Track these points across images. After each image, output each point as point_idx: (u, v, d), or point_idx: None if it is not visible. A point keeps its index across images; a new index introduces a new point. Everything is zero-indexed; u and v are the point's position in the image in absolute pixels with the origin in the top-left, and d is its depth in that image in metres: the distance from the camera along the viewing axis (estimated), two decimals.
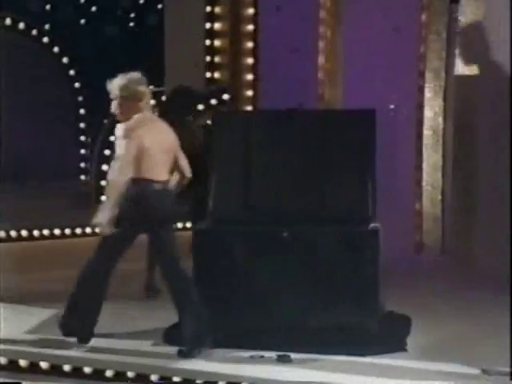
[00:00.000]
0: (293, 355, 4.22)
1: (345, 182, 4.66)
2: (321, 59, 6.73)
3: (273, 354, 4.23)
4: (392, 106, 6.56)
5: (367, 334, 4.35)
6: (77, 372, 4.08)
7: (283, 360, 4.18)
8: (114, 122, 8.36)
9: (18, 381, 3.94)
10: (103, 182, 8.18)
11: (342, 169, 4.68)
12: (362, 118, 4.77)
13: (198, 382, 3.97)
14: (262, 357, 4.21)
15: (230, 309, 4.47)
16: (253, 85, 7.12)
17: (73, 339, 4.40)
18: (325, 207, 4.62)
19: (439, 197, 6.77)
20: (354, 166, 4.68)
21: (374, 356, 4.23)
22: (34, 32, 9.42)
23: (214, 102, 7.33)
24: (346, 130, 4.74)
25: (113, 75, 4.77)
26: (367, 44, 6.52)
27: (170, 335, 4.48)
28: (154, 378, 4.02)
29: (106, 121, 8.56)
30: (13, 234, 6.29)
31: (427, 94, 6.75)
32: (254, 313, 4.47)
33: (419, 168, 6.77)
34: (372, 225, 4.54)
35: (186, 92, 6.09)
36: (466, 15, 6.57)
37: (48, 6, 10.06)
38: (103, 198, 8.04)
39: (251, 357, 4.21)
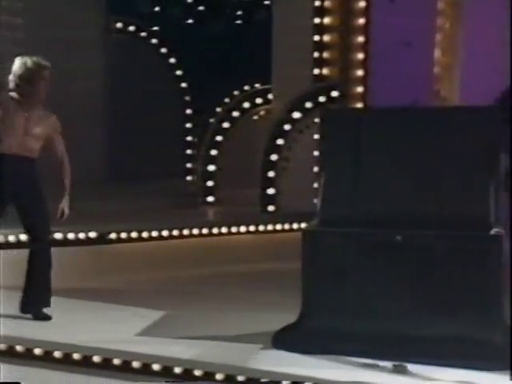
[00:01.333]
0: (409, 366, 3.99)
1: (465, 183, 4.38)
2: (437, 53, 6.43)
3: (388, 364, 4.02)
4: None
5: (491, 346, 4.06)
6: (187, 374, 4.05)
7: (399, 370, 3.98)
8: (221, 122, 8.46)
9: (18, 381, 3.95)
10: (209, 183, 8.28)
11: (462, 169, 4.40)
12: (483, 115, 4.48)
13: None
14: (377, 365, 4.01)
15: (340, 313, 4.30)
16: (363, 81, 6.92)
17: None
18: (442, 210, 4.36)
19: None
20: (475, 167, 4.39)
21: (498, 372, 3.93)
22: (143, 34, 9.61)
23: (322, 99, 7.19)
24: (466, 128, 4.45)
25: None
26: (490, 36, 6.15)
27: (279, 339, 4.36)
28: (263, 381, 3.93)
29: (212, 120, 8.61)
30: (123, 235, 6.35)
31: None
32: (366, 319, 4.28)
33: None
34: (494, 230, 4.24)
35: None
36: None
37: (157, 8, 10.23)
38: (210, 198, 8.15)
39: (365, 364, 4.03)
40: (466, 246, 4.19)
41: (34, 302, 4.78)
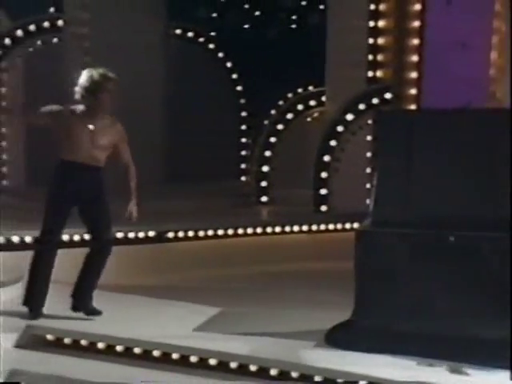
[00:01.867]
0: (465, 366, 3.99)
1: None
2: (493, 55, 6.36)
3: (443, 363, 4.03)
4: None
5: None
6: (242, 369, 4.15)
7: (454, 370, 3.98)
8: (275, 123, 8.54)
9: (18, 381, 4.04)
10: (263, 183, 8.39)
11: None
12: None
13: None
14: (431, 365, 4.03)
15: (392, 313, 4.32)
16: (417, 83, 6.90)
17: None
18: (495, 211, 4.34)
19: None
20: None
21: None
22: (201, 39, 9.78)
23: (375, 101, 7.21)
24: None
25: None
26: None
27: (332, 337, 4.43)
28: (317, 379, 3.99)
29: (266, 122, 8.71)
30: (180, 234, 6.51)
31: None
32: (418, 318, 4.29)
33: None
34: None
35: None
36: None
37: (214, 14, 10.36)
38: (264, 198, 8.26)
39: (418, 363, 4.05)
40: None
41: (86, 299, 4.93)
